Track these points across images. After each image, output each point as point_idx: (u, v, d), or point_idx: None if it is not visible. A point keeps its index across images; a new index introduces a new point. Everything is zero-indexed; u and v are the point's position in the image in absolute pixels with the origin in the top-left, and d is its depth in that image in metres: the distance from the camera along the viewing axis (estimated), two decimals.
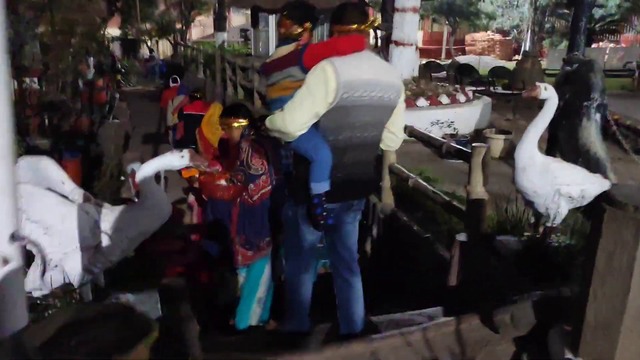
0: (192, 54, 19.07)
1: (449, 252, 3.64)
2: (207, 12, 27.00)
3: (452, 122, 7.69)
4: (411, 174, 4.47)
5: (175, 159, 2.47)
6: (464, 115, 8.06)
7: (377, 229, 4.94)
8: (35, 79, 10.46)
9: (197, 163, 2.52)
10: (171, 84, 10.99)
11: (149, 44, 31.60)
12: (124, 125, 14.62)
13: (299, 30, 2.74)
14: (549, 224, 3.03)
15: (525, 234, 3.20)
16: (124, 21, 30.60)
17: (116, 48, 29.66)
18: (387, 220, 4.80)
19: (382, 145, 2.74)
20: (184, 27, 24.94)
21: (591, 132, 5.12)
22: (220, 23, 18.23)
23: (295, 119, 2.33)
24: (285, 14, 2.76)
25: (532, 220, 3.24)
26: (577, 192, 2.95)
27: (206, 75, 15.47)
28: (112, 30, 31.03)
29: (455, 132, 7.31)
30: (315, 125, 2.40)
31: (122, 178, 7.61)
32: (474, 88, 10.67)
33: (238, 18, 30.96)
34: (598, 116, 5.19)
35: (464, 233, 3.37)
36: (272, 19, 11.81)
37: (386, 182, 4.82)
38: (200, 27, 32.32)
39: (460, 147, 3.56)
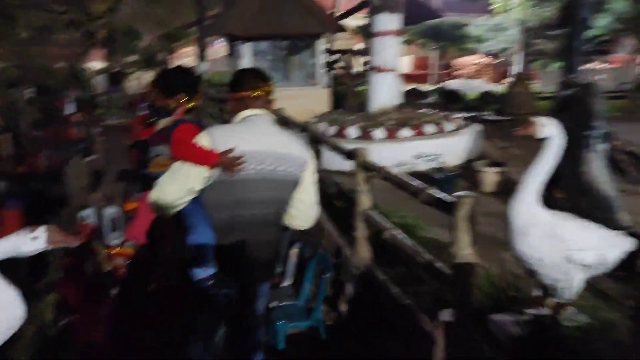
0: None
1: (434, 323, 2.92)
2: (190, 43, 26.59)
3: (438, 155, 7.00)
4: (386, 224, 3.74)
5: (24, 242, 1.76)
6: (452, 145, 7.39)
7: (351, 287, 4.19)
8: None
9: (59, 244, 1.83)
10: (141, 113, 10.28)
11: (134, 76, 31.21)
12: (96, 162, 13.89)
13: (171, 103, 2.51)
14: (558, 300, 2.29)
15: (528, 311, 2.46)
16: (109, 54, 30.27)
17: (101, 81, 29.23)
18: (362, 277, 4.06)
19: (291, 224, 2.41)
20: (166, 59, 24.44)
21: (595, 166, 4.43)
22: (201, 53, 17.72)
23: (167, 193, 2.11)
24: (154, 85, 2.56)
25: (536, 292, 2.51)
26: (594, 259, 2.23)
27: None
28: (98, 64, 30.71)
29: (442, 166, 6.62)
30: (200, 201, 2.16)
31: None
32: (462, 114, 10.05)
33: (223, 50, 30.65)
34: (602, 147, 4.51)
35: (449, 310, 2.63)
36: (247, 48, 11.21)
37: (360, 231, 4.09)
38: (187, 58, 31.95)
39: (440, 197, 2.83)
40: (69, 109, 17.56)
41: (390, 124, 7.41)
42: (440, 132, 7.61)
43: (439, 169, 6.47)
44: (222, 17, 12.28)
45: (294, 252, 5.26)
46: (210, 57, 21.83)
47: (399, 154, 6.96)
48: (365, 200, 4.04)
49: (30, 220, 6.70)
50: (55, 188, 9.68)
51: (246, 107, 2.24)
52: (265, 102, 2.31)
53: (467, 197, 2.61)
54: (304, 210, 2.36)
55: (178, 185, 2.10)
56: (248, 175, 2.13)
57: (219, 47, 29.11)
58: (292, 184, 2.26)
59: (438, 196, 2.87)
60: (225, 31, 11.38)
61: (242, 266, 2.22)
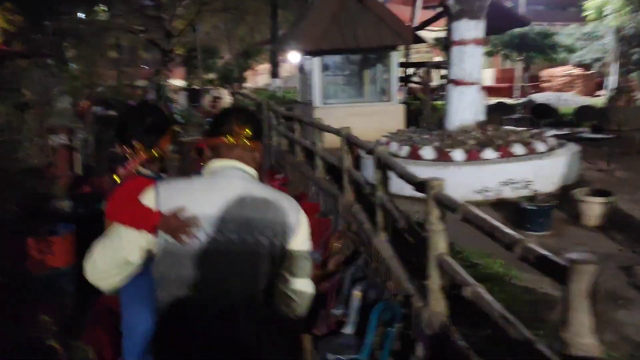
0: (245, 102, 18.47)
1: None
2: (265, 61, 26.74)
3: (528, 181, 6.03)
4: (467, 277, 2.95)
5: None
6: (544, 169, 6.38)
7: (422, 349, 3.42)
8: (64, 136, 9.82)
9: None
10: None
11: (213, 92, 31.92)
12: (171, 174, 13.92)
13: (126, 149, 2.12)
14: None
15: None
16: (189, 72, 31.19)
17: (181, 98, 30.13)
18: (435, 337, 3.28)
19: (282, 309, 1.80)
20: (241, 76, 24.65)
21: None
22: (273, 70, 17.53)
23: (96, 266, 1.70)
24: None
25: None
26: None
27: None
28: (178, 82, 31.69)
29: (533, 194, 5.66)
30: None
31: None
32: (555, 132, 8.93)
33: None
34: None
35: None
36: (316, 62, 10.68)
37: (433, 280, 3.32)
38: (263, 75, 32.26)
39: (548, 258, 2.04)
40: None
41: (472, 144, 6.54)
42: (531, 154, 6.63)
43: (530, 198, 5.51)
44: (294, 31, 11.87)
45: (357, 294, 4.55)
46: (283, 74, 21.78)
47: (482, 178, 6.08)
48: (439, 242, 3.27)
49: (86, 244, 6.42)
50: None
51: (219, 157, 1.78)
52: (244, 152, 1.79)
53: (587, 264, 1.81)
54: (294, 291, 1.78)
55: (110, 254, 1.69)
56: (203, 246, 1.64)
57: (292, 64, 29.24)
58: (267, 258, 1.69)
59: (543, 254, 2.07)
60: (295, 46, 10.92)
61: None
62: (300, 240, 1.75)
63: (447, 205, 3.11)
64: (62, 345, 4.74)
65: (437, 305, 3.32)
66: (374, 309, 4.03)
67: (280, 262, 1.73)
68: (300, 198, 7.88)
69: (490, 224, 2.56)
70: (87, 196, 8.40)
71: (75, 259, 5.79)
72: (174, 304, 1.65)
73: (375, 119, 10.24)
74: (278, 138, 10.85)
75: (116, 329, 3.96)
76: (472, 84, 6.90)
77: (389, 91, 11.12)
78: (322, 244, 6.30)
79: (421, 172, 3.99)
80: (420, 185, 3.45)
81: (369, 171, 6.36)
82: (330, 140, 7.86)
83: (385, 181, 4.67)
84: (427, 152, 6.64)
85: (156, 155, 2.23)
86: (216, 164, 1.76)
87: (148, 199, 1.69)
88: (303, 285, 1.79)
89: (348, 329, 4.45)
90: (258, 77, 31.31)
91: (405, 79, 12.51)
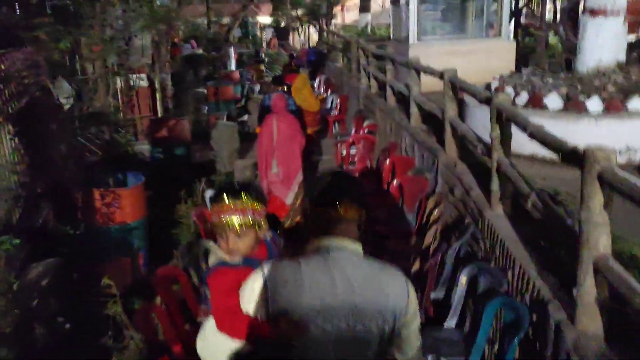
0: (334, 39, 17.35)
1: None
2: None
3: None
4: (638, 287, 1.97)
5: None
6: None
7: None
8: (144, 76, 9.37)
9: None
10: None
11: (299, 30, 30.86)
12: (252, 121, 13.36)
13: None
14: None
15: None
16: (275, 8, 30.19)
17: (269, 35, 29.41)
18: None
19: None
20: (329, 11, 23.34)
21: None
22: (363, 3, 16.18)
23: (207, 348, 1.79)
24: None
25: None
26: None
27: (344, 63, 13.59)
28: (264, 19, 30.87)
29: None
30: None
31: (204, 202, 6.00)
32: None
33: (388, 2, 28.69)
34: None
35: None
36: None
37: (587, 290, 2.36)
38: (351, 12, 30.62)
39: None
40: (231, 65, 17.45)
41: (613, 91, 5.22)
42: None
43: None
44: None
45: (463, 280, 3.66)
46: (373, 8, 20.28)
47: (625, 135, 4.82)
48: (600, 240, 2.28)
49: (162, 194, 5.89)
50: (205, 153, 9.12)
51: (326, 232, 1.65)
52: (350, 226, 1.66)
53: None
54: None
55: (221, 347, 1.76)
56: (311, 335, 1.58)
57: None
58: (377, 342, 1.63)
59: None
60: None
61: None
62: (410, 319, 1.68)
63: (620, 189, 2.10)
64: (125, 312, 4.32)
65: (591, 324, 2.37)
66: (489, 304, 3.14)
67: (389, 340, 1.66)
68: (390, 149, 6.94)
69: None
70: (165, 140, 7.98)
71: (145, 212, 5.32)
72: None
73: (480, 58, 8.90)
74: (367, 80, 9.84)
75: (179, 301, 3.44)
76: (614, 14, 5.47)
77: (499, 25, 9.61)
78: (416, 207, 5.40)
79: (545, 125, 2.95)
80: (572, 155, 2.43)
81: (479, 124, 5.29)
82: (428, 84, 6.81)
83: (506, 140, 3.64)
84: (553, 100, 5.39)
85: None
86: (322, 242, 1.65)
87: (255, 292, 1.61)
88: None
89: (451, 321, 3.62)
90: (347, 13, 29.78)
91: (516, 11, 10.86)
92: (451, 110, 4.97)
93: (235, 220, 1.94)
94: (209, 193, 5.73)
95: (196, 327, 2.57)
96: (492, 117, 3.59)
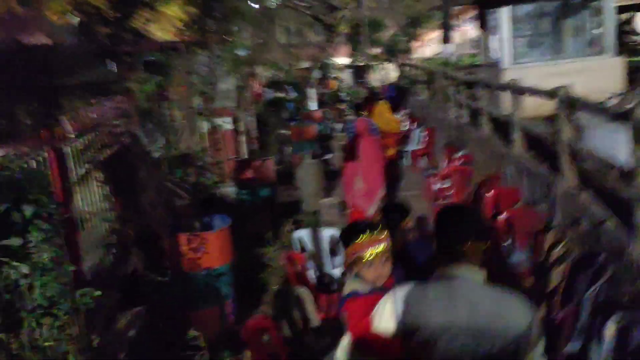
0: (415, 73, 16.97)
1: None
2: (434, 27, 24.80)
3: None
4: None
5: None
6: None
7: None
8: (229, 119, 9.39)
9: None
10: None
11: (379, 68, 30.81)
12: (336, 160, 13.13)
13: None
14: None
15: None
16: (354, 49, 30.40)
17: (346, 76, 29.56)
18: None
19: None
20: (408, 46, 23.05)
21: None
22: (445, 35, 15.72)
23: None
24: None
25: None
26: None
27: (428, 95, 13.12)
28: (342, 59, 31.15)
29: None
30: None
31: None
32: None
33: (472, 31, 28.01)
34: None
35: None
36: (505, 12, 8.81)
37: None
38: (431, 45, 30.22)
39: None
40: (312, 105, 17.54)
41: None
42: None
43: None
44: None
45: (611, 330, 3.00)
46: (456, 39, 19.74)
47: None
48: None
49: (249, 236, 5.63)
50: (290, 192, 8.91)
51: (454, 262, 1.77)
52: (475, 257, 1.77)
53: None
54: None
55: None
56: (436, 355, 1.70)
57: (466, 29, 26.79)
58: None
59: None
60: None
61: None
62: (533, 342, 1.72)
63: None
64: None
65: None
66: None
67: None
68: (491, 181, 6.33)
69: None
70: (251, 181, 7.83)
71: (232, 256, 5.06)
72: None
73: (582, 79, 8.10)
74: (456, 109, 9.31)
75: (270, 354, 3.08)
76: None
77: (603, 42, 8.79)
78: (531, 243, 4.75)
79: None
80: None
81: (598, 147, 4.61)
82: (528, 108, 6.19)
83: None
84: None
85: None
86: (450, 271, 1.77)
87: (387, 312, 1.78)
88: None
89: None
90: (427, 48, 29.41)
91: (622, 26, 9.98)
92: (568, 132, 4.35)
93: (371, 251, 2.15)
94: (296, 234, 5.40)
95: None
96: (635, 136, 2.98)
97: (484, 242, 1.79)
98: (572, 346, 3.30)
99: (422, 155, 9.83)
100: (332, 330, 4.34)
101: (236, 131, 9.62)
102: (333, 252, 5.52)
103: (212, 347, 4.17)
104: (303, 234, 5.29)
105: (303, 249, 5.57)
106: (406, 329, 1.73)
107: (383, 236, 2.19)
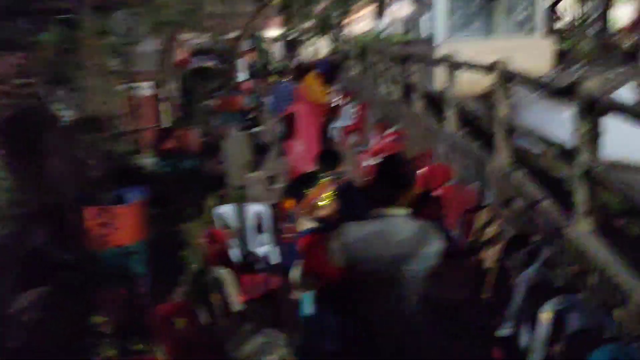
0: (348, 48, 16.71)
1: None
2: (367, 2, 24.64)
3: None
4: None
5: None
6: None
7: None
8: (150, 85, 8.73)
9: None
10: None
11: (310, 42, 30.32)
12: (264, 133, 12.70)
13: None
14: None
15: None
16: (286, 21, 29.70)
17: (277, 48, 28.90)
18: None
19: None
20: (341, 20, 22.75)
21: None
22: (379, 9, 15.54)
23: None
24: None
25: None
26: None
27: (359, 71, 12.91)
28: (273, 32, 30.41)
29: None
30: None
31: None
32: None
33: (405, 9, 28.07)
34: None
35: None
36: None
37: None
38: (365, 21, 30.08)
39: None
40: (241, 76, 16.90)
41: None
42: None
43: None
44: None
45: (547, 317, 2.87)
46: (389, 17, 19.65)
47: None
48: None
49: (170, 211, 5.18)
50: (208, 166, 8.44)
51: (387, 204, 2.23)
52: (406, 200, 2.25)
53: None
54: None
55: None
56: (375, 275, 2.20)
57: (398, 8, 26.83)
58: (420, 279, 2.24)
59: None
60: None
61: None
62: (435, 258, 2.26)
63: None
64: (120, 353, 3.58)
65: None
66: (596, 353, 2.36)
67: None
68: (422, 158, 6.20)
69: None
70: (172, 152, 7.31)
71: (146, 233, 4.60)
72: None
73: (513, 57, 8.14)
74: (388, 86, 9.13)
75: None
76: None
77: (533, 23, 8.85)
78: (461, 222, 4.63)
79: None
80: None
81: (534, 125, 4.52)
82: (463, 85, 6.08)
83: (596, 140, 2.87)
84: None
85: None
86: (384, 211, 2.23)
87: (334, 247, 2.21)
88: None
89: None
90: (360, 23, 29.24)
91: (553, 7, 10.15)
92: (504, 109, 4.22)
93: (324, 196, 2.65)
94: (219, 210, 5.01)
95: None
96: (579, 111, 2.83)
97: (411, 189, 2.29)
98: (504, 330, 3.18)
99: (353, 131, 9.61)
100: (255, 314, 4.04)
101: (157, 98, 8.97)
102: (259, 230, 5.18)
103: (121, 333, 3.76)
104: (226, 210, 4.90)
105: (227, 227, 5.20)
106: (349, 259, 2.20)
107: (328, 182, 2.70)
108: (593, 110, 2.73)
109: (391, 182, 2.27)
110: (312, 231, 2.60)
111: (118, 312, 4.05)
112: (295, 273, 2.56)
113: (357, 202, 2.95)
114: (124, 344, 3.63)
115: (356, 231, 2.22)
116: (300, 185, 2.73)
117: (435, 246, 2.22)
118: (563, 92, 3.08)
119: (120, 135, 6.64)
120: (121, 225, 4.31)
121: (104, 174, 5.50)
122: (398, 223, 2.21)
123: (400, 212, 2.23)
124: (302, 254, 2.52)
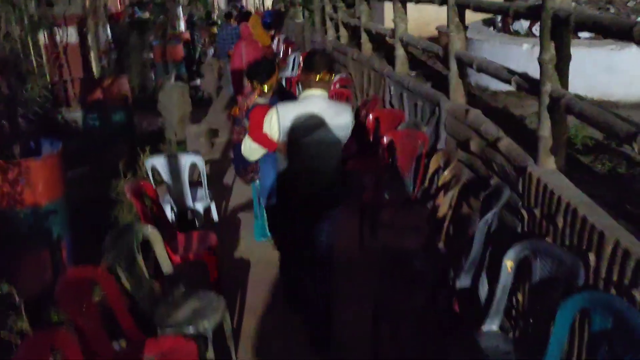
0: None
1: None
2: None
3: None
4: None
5: None
6: None
7: None
8: (74, 30, 7.88)
9: None
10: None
11: None
12: (206, 85, 12.04)
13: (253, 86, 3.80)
14: None
15: None
16: None
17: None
18: None
19: None
20: None
21: None
22: None
23: (247, 155, 3.15)
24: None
25: None
26: None
27: (305, 18, 12.30)
28: None
29: None
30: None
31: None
32: None
33: None
34: None
35: None
36: None
37: None
38: None
39: None
40: (181, 26, 15.90)
41: None
42: None
43: None
44: None
45: (509, 264, 2.60)
46: None
47: None
48: None
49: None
50: (144, 122, 7.83)
51: (310, 86, 2.92)
52: (325, 84, 2.95)
53: None
54: None
55: (253, 153, 3.11)
56: (306, 141, 2.90)
57: None
58: (340, 143, 3.01)
59: None
60: None
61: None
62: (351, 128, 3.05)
63: None
64: (33, 326, 3.13)
65: None
66: (566, 302, 2.09)
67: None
68: (371, 103, 5.83)
69: None
70: (100, 104, 6.63)
71: (64, 190, 4.06)
72: (291, 170, 3.02)
73: None
74: (335, 30, 8.65)
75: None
76: None
77: None
78: (414, 168, 4.33)
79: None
80: None
81: (497, 59, 4.18)
82: (412, 29, 5.67)
83: (564, 64, 2.55)
84: None
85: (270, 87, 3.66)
86: (308, 92, 2.94)
87: (274, 119, 2.89)
88: None
89: (491, 323, 2.57)
90: None
91: None
92: (459, 43, 3.86)
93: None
94: (149, 162, 4.51)
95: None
96: (543, 32, 2.49)
97: (330, 73, 2.93)
98: (463, 281, 2.92)
99: (298, 82, 9.13)
100: (189, 276, 3.65)
101: (84, 46, 8.14)
102: (195, 183, 4.73)
103: (36, 303, 3.29)
104: (158, 162, 4.41)
105: (160, 180, 4.72)
106: (284, 130, 2.87)
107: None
108: (560, 30, 2.39)
109: (315, 66, 2.89)
110: (259, 104, 3.43)
111: (31, 279, 3.57)
112: (245, 142, 3.05)
113: (287, 93, 3.94)
114: (37, 315, 3.18)
115: (290, 108, 2.91)
116: (259, 68, 3.66)
117: (345, 118, 2.94)
118: (528, 13, 2.73)
119: (33, 81, 5.89)
120: (34, 181, 3.75)
121: (14, 125, 4.83)
122: (322, 102, 2.91)
123: (317, 92, 2.91)
124: (249, 125, 3.12)
